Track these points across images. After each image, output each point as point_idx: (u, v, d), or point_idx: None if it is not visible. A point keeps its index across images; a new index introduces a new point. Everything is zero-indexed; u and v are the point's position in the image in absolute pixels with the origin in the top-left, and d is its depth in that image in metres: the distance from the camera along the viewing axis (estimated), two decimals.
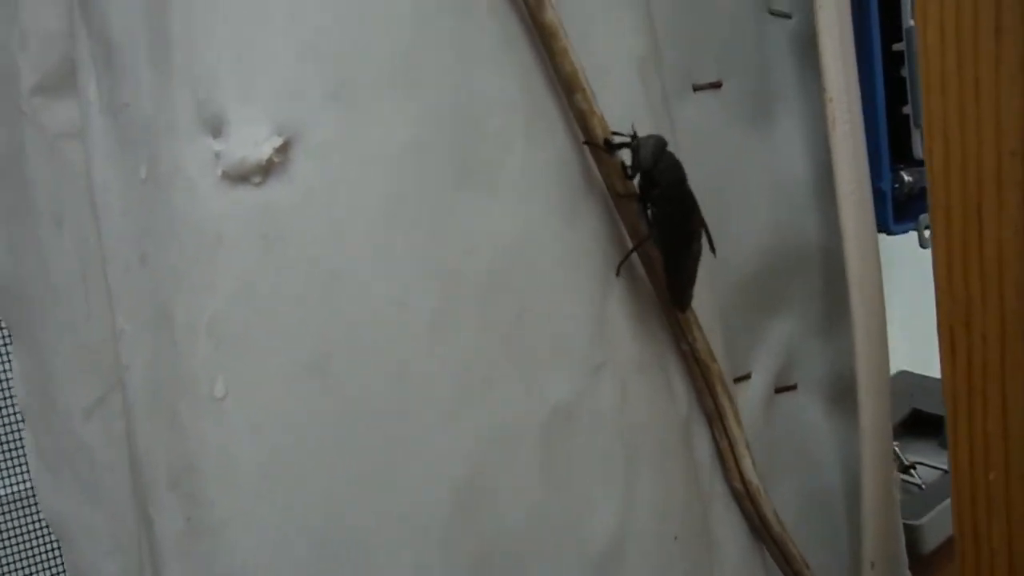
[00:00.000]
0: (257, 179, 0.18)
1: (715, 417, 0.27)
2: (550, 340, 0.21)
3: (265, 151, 0.18)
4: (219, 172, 0.18)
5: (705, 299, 0.28)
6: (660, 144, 0.23)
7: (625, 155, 0.23)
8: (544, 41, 0.22)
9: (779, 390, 0.38)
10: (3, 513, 0.47)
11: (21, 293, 0.28)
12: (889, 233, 0.41)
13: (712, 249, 0.26)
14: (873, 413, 0.37)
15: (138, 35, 0.20)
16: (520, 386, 0.20)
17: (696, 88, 0.34)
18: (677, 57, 0.33)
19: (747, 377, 0.37)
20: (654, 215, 0.23)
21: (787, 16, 0.37)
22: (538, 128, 0.22)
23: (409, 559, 0.19)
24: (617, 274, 0.24)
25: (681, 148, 0.34)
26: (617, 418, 0.23)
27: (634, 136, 0.23)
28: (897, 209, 0.40)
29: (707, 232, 0.26)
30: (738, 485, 0.28)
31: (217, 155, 0.18)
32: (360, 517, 0.19)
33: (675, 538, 0.24)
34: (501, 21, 0.21)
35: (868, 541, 0.38)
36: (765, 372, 0.37)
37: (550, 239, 0.22)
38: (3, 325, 0.30)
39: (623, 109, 0.26)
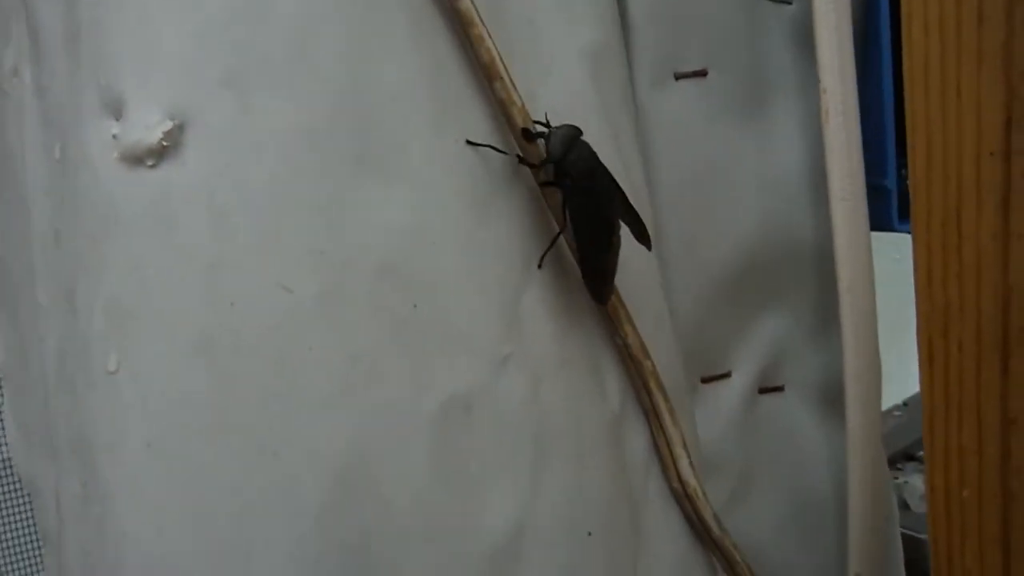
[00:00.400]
0: (151, 162, 0.19)
1: (651, 415, 0.27)
2: (447, 331, 0.21)
3: (156, 134, 0.19)
4: (116, 154, 0.19)
5: (648, 293, 0.27)
6: (571, 134, 0.23)
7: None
8: (461, 28, 0.22)
9: (763, 390, 0.37)
10: None
11: (4, 267, 0.30)
12: (894, 231, 0.39)
13: (645, 242, 0.26)
14: (861, 421, 0.36)
15: (56, 23, 0.21)
16: (410, 376, 0.21)
17: (678, 76, 0.33)
18: (657, 43, 0.33)
19: (726, 376, 0.36)
20: (567, 206, 0.23)
21: (787, 2, 0.35)
22: (449, 117, 0.22)
23: (285, 536, 0.20)
24: (539, 266, 0.24)
25: (655, 140, 0.33)
26: (525, 412, 0.23)
27: (548, 126, 0.22)
28: (907, 207, 0.38)
29: (638, 225, 0.25)
30: (676, 485, 0.27)
31: (115, 137, 0.19)
32: (239, 493, 0.20)
33: (589, 534, 0.24)
34: (411, 8, 0.21)
35: (854, 551, 0.36)
36: (747, 371, 0.36)
37: (455, 230, 0.22)
38: None
39: (568, 105, 0.25)
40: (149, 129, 0.19)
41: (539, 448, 0.23)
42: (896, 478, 0.53)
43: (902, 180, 0.39)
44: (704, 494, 0.28)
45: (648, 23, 0.32)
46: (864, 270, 0.35)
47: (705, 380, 0.36)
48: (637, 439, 0.27)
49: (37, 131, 0.22)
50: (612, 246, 0.24)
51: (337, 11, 0.20)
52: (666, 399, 0.26)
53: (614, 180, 0.24)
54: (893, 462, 0.56)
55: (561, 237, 0.24)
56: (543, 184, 0.23)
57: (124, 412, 0.19)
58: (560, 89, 0.25)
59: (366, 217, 0.20)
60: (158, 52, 0.19)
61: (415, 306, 0.21)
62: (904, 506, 0.54)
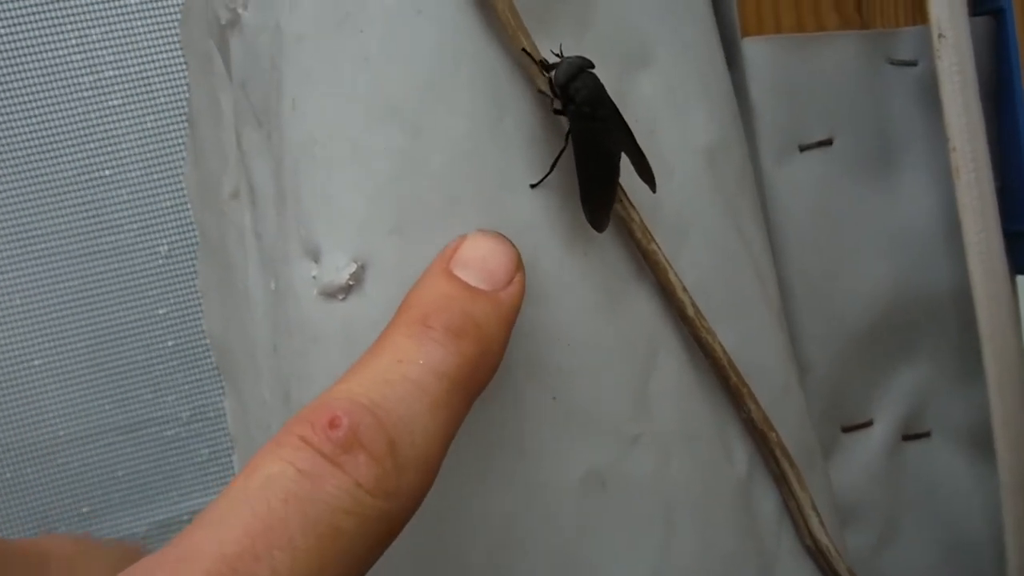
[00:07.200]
0: (341, 296, 0.25)
1: (780, 480, 0.30)
2: (583, 418, 0.26)
3: (344, 275, 0.25)
4: (315, 291, 0.25)
5: (773, 363, 0.31)
6: (577, 64, 0.24)
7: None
8: None
9: (908, 437, 0.39)
10: None
11: (230, 350, 0.37)
12: None
13: (649, 181, 0.27)
14: (1013, 466, 0.37)
15: (267, 186, 0.27)
16: (552, 455, 0.25)
17: (803, 148, 0.36)
18: (779, 120, 0.35)
19: (867, 425, 0.38)
20: (570, 131, 0.24)
21: (912, 64, 0.37)
22: (575, 237, 0.26)
23: None
24: (534, 185, 0.26)
25: (782, 208, 0.36)
26: (654, 483, 0.27)
27: (560, 56, 0.24)
28: None
29: (643, 163, 0.26)
30: (808, 542, 0.30)
31: (315, 278, 0.25)
32: (408, 556, 0.25)
33: None
34: (539, 147, 0.26)
35: None
36: (889, 419, 0.38)
37: (588, 331, 0.26)
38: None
39: (688, 198, 0.29)
40: (339, 271, 0.25)
41: (668, 513, 0.27)
42: None
43: None
44: (836, 550, 0.30)
45: (769, 101, 0.35)
46: (1005, 319, 0.36)
47: (846, 429, 0.38)
48: (767, 501, 0.30)
49: (258, 268, 0.28)
50: (611, 176, 0.25)
51: (479, 161, 0.25)
52: (792, 465, 0.29)
53: (621, 116, 0.26)
54: None
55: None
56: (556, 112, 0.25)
57: None
58: (681, 187, 0.29)
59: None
60: (341, 210, 0.25)
61: (554, 398, 0.26)
62: None
